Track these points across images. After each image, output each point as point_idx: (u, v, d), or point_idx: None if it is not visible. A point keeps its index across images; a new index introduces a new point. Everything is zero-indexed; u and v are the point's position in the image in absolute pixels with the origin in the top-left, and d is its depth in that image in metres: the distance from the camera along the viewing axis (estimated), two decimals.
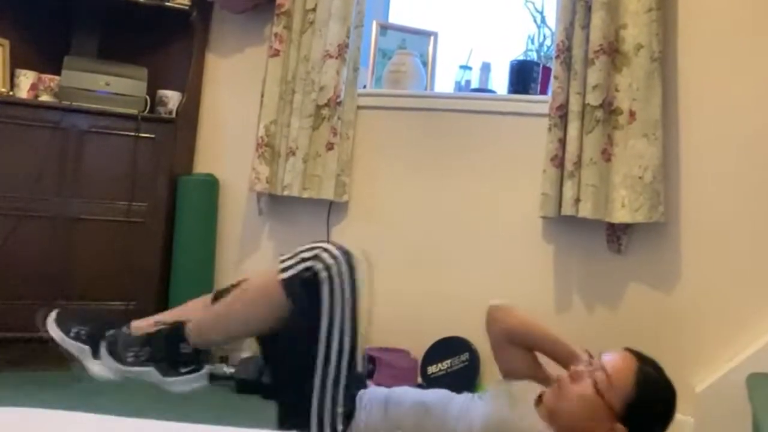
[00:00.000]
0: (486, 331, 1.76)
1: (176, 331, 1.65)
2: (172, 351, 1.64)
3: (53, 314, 1.70)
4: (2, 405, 1.12)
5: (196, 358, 1.66)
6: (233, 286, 1.71)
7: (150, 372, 1.64)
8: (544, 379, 1.70)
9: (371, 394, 1.65)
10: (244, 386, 2.63)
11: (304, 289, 1.54)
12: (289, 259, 1.58)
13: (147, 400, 2.35)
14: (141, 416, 1.18)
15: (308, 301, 1.54)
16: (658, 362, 1.63)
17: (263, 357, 1.83)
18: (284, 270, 1.56)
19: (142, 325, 1.69)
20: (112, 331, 1.68)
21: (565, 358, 1.65)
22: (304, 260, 1.55)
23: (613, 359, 1.53)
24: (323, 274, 1.54)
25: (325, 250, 1.55)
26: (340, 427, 1.56)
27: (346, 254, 1.56)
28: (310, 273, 1.54)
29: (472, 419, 1.56)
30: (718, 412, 2.23)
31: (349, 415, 1.58)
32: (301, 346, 1.57)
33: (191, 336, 1.64)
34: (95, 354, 1.67)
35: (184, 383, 1.66)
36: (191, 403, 2.29)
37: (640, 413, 1.49)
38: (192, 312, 1.72)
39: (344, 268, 1.54)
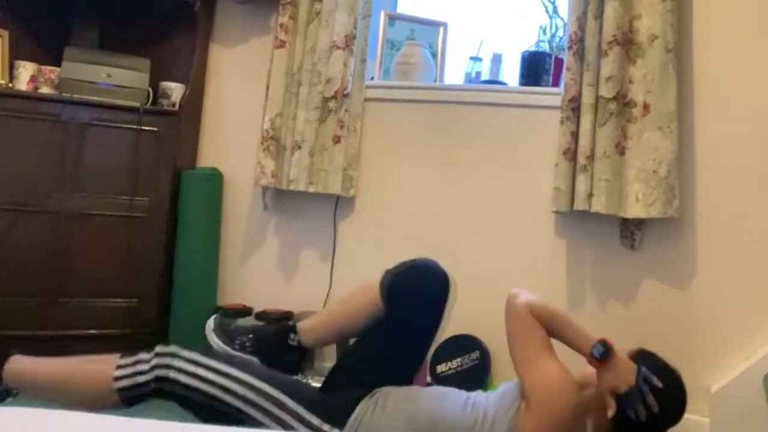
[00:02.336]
0: (505, 313, 1.74)
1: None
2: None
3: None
4: (2, 404, 1.09)
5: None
6: None
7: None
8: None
9: (385, 392, 1.64)
10: None
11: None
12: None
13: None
14: (141, 416, 1.15)
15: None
16: (674, 365, 1.61)
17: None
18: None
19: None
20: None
21: (585, 348, 1.64)
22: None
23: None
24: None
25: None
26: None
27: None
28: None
29: (484, 415, 1.57)
30: (734, 412, 2.21)
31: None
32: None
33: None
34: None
35: None
36: None
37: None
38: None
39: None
